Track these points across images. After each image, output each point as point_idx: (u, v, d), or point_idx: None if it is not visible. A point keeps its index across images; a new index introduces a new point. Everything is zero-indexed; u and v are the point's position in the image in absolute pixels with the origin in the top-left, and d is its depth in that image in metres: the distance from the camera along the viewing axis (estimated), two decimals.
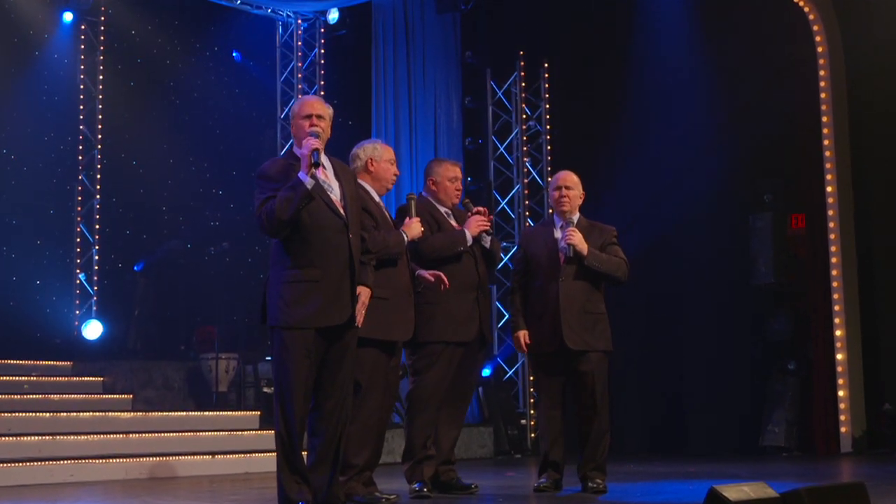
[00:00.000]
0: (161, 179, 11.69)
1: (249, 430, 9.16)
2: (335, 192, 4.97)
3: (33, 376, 9.48)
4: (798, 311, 10.17)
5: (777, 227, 10.09)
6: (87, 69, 11.36)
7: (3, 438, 7.77)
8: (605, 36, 11.40)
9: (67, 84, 11.30)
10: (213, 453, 8.38)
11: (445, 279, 5.77)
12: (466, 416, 10.64)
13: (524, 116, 12.16)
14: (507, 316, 11.22)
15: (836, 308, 9.85)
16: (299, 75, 12.08)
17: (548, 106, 12.16)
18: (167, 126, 11.73)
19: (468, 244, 6.01)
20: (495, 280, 11.44)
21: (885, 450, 9.52)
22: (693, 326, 10.71)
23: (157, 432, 8.65)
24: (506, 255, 10.94)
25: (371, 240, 5.41)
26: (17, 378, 9.35)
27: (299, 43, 12.18)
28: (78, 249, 11.20)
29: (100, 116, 11.37)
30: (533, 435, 11.03)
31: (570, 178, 6.23)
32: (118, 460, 7.88)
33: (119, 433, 8.39)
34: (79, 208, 11.22)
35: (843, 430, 9.68)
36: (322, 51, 12.14)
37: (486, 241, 6.08)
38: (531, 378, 11.00)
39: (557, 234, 6.14)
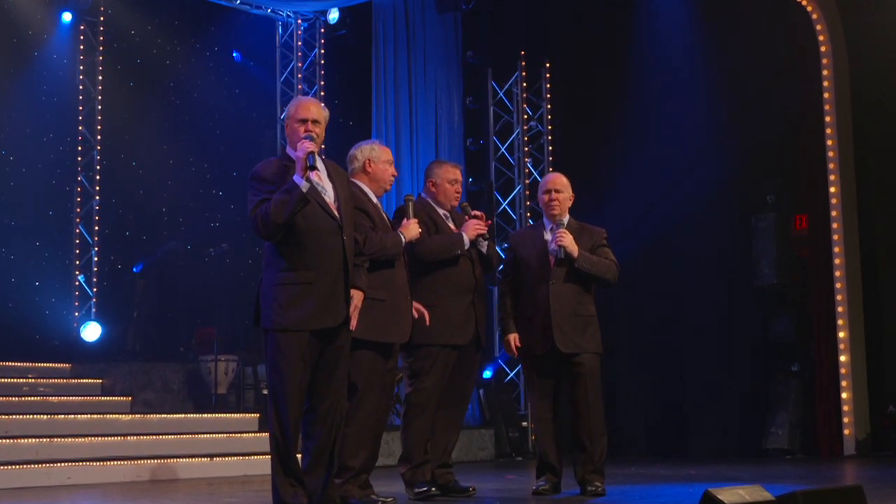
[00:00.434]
0: (161, 180, 11.67)
1: (249, 432, 9.12)
2: (329, 194, 4.94)
3: (30, 377, 9.45)
4: (801, 312, 10.12)
5: (780, 227, 10.05)
6: (86, 69, 11.33)
7: (1, 441, 7.72)
8: (606, 36, 11.36)
9: (67, 84, 11.28)
10: (212, 456, 8.33)
11: (427, 318, 5.74)
12: (467, 419, 10.66)
13: (525, 117, 12.11)
14: None
15: (840, 309, 9.81)
16: (299, 75, 12.04)
17: (549, 106, 12.12)
18: (167, 127, 11.71)
19: (465, 248, 5.97)
20: (496, 282, 11.38)
21: (888, 452, 9.47)
22: (695, 327, 10.66)
23: (156, 434, 8.61)
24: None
25: (369, 241, 5.39)
26: (15, 380, 9.33)
27: (299, 43, 12.14)
28: (77, 251, 11.17)
29: (99, 117, 11.34)
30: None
31: (558, 181, 6.20)
32: (116, 463, 7.84)
33: (118, 435, 8.35)
34: (78, 209, 11.20)
35: (846, 432, 9.63)
36: (322, 51, 12.11)
37: (483, 246, 6.06)
38: None
39: (547, 236, 6.12)
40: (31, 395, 9.02)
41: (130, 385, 10.12)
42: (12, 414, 8.26)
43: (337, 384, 4.89)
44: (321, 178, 4.94)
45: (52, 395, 9.11)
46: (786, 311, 10.10)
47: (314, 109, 4.97)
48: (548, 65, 12.13)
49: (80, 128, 11.24)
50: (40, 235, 11.07)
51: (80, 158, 11.26)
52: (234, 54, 12.25)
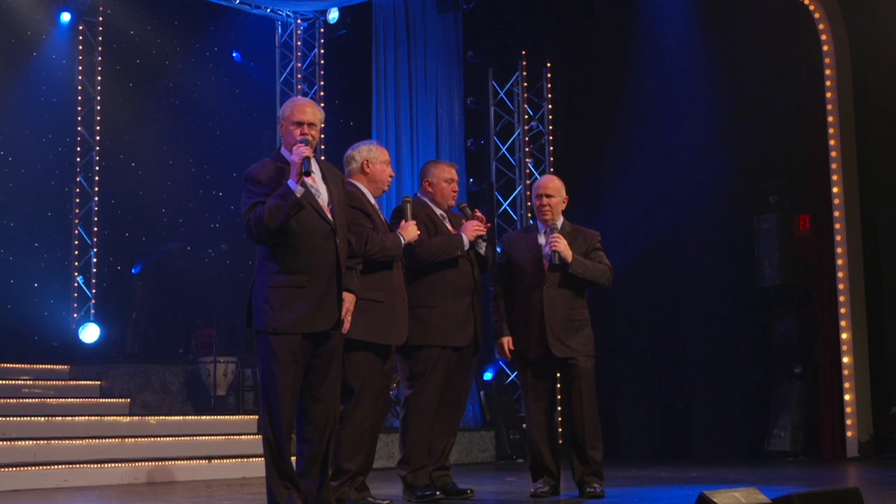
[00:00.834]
0: (160, 181, 11.64)
1: (247, 434, 9.07)
2: (322, 197, 4.90)
3: (28, 379, 9.41)
4: (804, 313, 10.06)
5: (783, 228, 9.99)
6: (85, 70, 11.29)
7: None
8: (607, 35, 11.34)
9: (65, 85, 11.25)
10: (210, 458, 8.30)
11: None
12: (468, 420, 10.61)
13: (526, 117, 12.07)
14: None
15: (843, 311, 9.75)
16: (299, 75, 12.00)
17: (550, 106, 12.08)
18: (166, 127, 11.68)
19: (465, 249, 5.93)
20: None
21: (891, 454, 9.42)
22: (697, 329, 10.62)
23: (155, 436, 8.58)
24: None
25: (370, 241, 5.36)
26: (13, 381, 9.30)
27: (299, 43, 12.10)
28: (76, 252, 11.14)
29: (98, 118, 11.31)
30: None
31: (550, 186, 6.16)
32: (115, 465, 7.80)
33: (116, 437, 8.33)
34: (77, 210, 11.16)
35: (849, 434, 9.57)
36: (322, 51, 12.07)
37: (482, 248, 6.02)
38: None
39: (541, 239, 6.09)
40: (29, 397, 8.99)
41: (129, 387, 10.09)
42: (10, 415, 8.24)
43: (329, 387, 4.86)
44: (315, 181, 4.90)
45: (50, 397, 9.09)
46: (788, 313, 10.05)
47: (310, 112, 4.91)
48: (549, 65, 12.10)
49: (79, 128, 11.21)
50: (39, 236, 11.04)
51: (79, 159, 11.22)
52: (234, 54, 12.21)
